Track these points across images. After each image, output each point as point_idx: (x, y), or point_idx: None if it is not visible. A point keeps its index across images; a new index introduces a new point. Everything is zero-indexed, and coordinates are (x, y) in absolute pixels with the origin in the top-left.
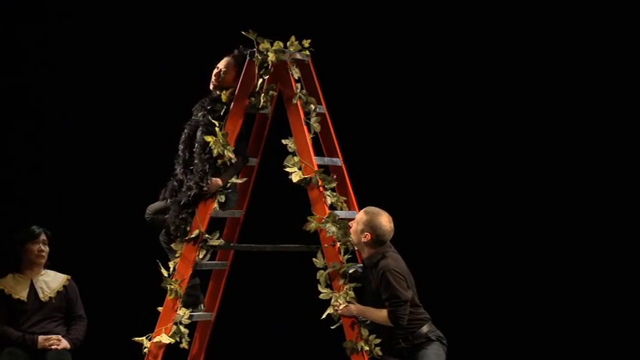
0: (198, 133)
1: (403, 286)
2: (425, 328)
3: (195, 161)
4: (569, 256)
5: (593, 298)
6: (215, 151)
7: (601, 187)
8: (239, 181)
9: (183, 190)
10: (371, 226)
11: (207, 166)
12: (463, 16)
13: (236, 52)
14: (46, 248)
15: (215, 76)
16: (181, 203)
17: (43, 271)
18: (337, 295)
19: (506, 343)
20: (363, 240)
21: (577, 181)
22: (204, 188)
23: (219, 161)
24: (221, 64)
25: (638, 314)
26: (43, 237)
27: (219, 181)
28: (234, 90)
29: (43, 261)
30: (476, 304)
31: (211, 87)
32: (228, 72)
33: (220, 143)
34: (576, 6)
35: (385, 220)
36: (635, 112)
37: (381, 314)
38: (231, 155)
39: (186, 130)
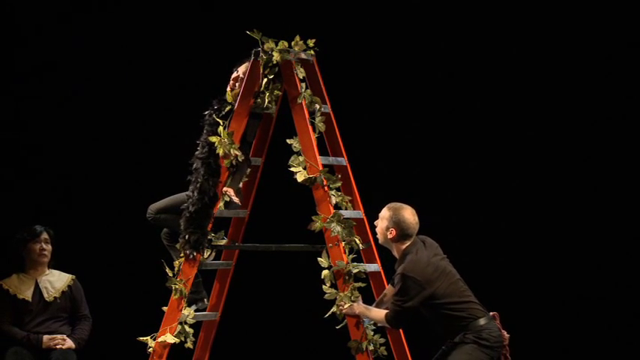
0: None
1: (413, 293)
2: (469, 327)
3: (193, 160)
4: (569, 256)
5: (593, 298)
6: (220, 151)
7: (601, 187)
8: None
9: (187, 203)
10: (395, 221)
11: (204, 169)
12: (466, 17)
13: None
14: (49, 247)
15: (234, 80)
16: (188, 218)
17: (48, 271)
18: (342, 294)
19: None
20: (389, 237)
21: (577, 181)
22: (206, 199)
23: (226, 161)
24: (241, 70)
25: (637, 314)
26: (44, 236)
27: (230, 190)
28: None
29: (46, 260)
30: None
31: (229, 90)
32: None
33: (225, 143)
34: (575, 7)
35: (408, 214)
36: (636, 114)
37: (381, 315)
38: (238, 153)
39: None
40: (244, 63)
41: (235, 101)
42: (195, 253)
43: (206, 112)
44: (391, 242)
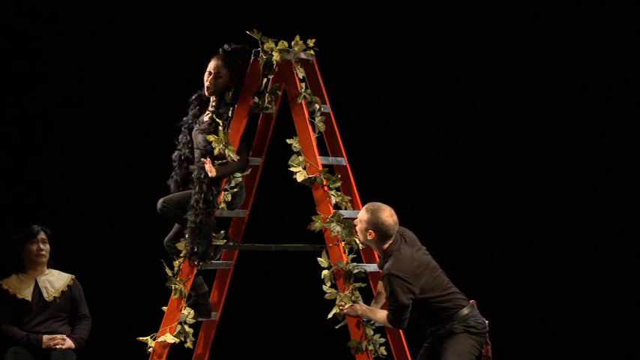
0: (200, 136)
1: (403, 290)
2: (454, 317)
3: (193, 169)
4: (569, 254)
5: (591, 296)
6: (216, 150)
7: (601, 185)
8: (243, 173)
9: (191, 213)
10: (373, 224)
11: (207, 179)
12: (466, 17)
13: (221, 51)
14: (46, 247)
15: (208, 82)
16: (193, 229)
17: (47, 271)
18: (342, 294)
19: (504, 342)
20: (369, 238)
21: (576, 179)
22: (210, 209)
23: (217, 162)
24: (211, 68)
25: (637, 312)
26: (41, 236)
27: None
28: (237, 89)
29: (44, 260)
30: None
31: (207, 93)
32: (221, 74)
33: (222, 142)
34: (574, 10)
35: (386, 215)
36: (635, 113)
37: (383, 315)
38: (232, 155)
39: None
40: (212, 60)
41: (234, 101)
42: (201, 263)
43: (191, 112)
44: (372, 243)
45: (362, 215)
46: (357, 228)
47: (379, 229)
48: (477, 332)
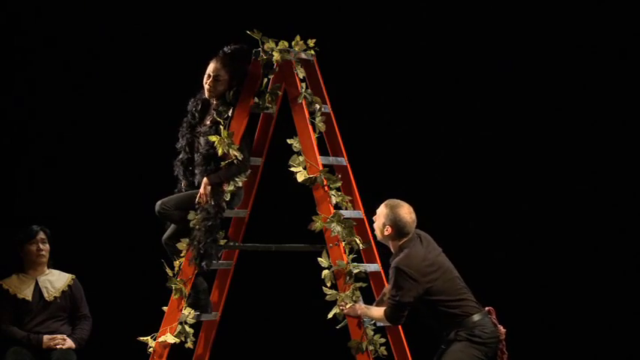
0: (202, 139)
1: (406, 287)
2: (462, 324)
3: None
4: (569, 254)
5: (591, 296)
6: (220, 151)
7: (601, 185)
8: (242, 179)
9: (202, 216)
10: (391, 219)
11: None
12: (466, 17)
13: (220, 53)
14: (46, 247)
15: (208, 84)
16: (205, 232)
17: (48, 271)
18: (343, 295)
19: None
20: (385, 234)
21: (576, 179)
22: (220, 214)
23: (223, 163)
24: (210, 70)
25: (636, 311)
26: (40, 236)
27: (205, 180)
28: (237, 89)
29: (44, 260)
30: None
31: (207, 95)
32: (221, 77)
33: (225, 142)
34: (575, 10)
35: (405, 212)
36: (635, 113)
37: (380, 312)
38: (237, 154)
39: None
40: (211, 63)
41: (235, 101)
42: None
43: (191, 109)
44: (388, 239)
45: (381, 210)
46: (375, 225)
47: (397, 225)
48: (482, 342)
